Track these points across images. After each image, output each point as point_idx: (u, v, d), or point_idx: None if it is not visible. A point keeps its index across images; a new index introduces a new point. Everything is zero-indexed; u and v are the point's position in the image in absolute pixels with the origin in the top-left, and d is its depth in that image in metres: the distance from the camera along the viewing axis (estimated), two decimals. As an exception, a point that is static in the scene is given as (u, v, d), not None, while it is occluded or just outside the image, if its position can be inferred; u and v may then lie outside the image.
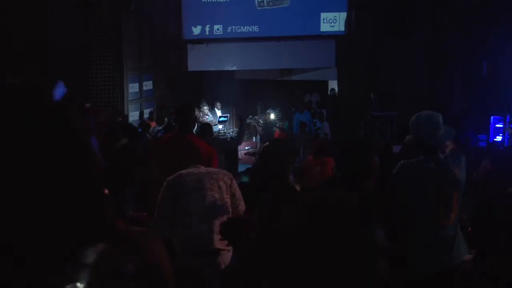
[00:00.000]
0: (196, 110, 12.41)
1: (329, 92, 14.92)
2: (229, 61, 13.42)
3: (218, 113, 13.05)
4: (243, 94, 14.38)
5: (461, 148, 4.42)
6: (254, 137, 14.06)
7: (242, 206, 3.54)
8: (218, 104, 13.34)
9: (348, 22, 12.45)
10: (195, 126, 4.81)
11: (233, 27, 13.08)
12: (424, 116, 3.45)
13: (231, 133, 11.50)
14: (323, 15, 12.78)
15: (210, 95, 14.05)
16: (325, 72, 13.79)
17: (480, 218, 3.70)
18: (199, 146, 4.26)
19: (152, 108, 12.74)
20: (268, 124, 12.22)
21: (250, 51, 13.21)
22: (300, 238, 1.17)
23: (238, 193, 3.58)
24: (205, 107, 12.65)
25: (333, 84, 14.43)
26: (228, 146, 7.13)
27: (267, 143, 3.26)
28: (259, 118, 12.71)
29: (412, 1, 11.15)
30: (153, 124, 10.99)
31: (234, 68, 13.74)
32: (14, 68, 7.69)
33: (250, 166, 7.86)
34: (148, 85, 12.50)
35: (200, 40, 13.15)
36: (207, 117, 12.40)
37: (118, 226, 1.08)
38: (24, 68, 7.86)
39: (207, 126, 6.60)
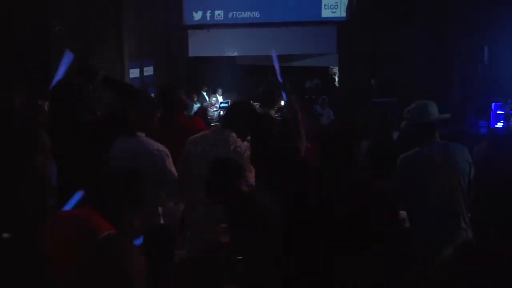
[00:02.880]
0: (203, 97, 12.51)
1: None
2: (230, 46, 13.40)
3: (220, 98, 13.05)
4: (244, 80, 14.35)
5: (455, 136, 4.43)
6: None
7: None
8: (220, 90, 13.34)
9: (349, 8, 12.40)
10: (183, 108, 4.78)
11: (234, 12, 13.04)
12: (419, 102, 3.61)
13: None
14: (325, 1, 12.72)
15: (212, 80, 14.03)
16: (326, 58, 13.76)
17: (479, 203, 3.72)
18: (188, 127, 4.24)
19: (153, 94, 12.72)
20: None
21: (251, 37, 13.18)
22: None
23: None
24: (214, 98, 12.62)
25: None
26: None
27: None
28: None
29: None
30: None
31: (235, 53, 13.72)
32: (13, 54, 7.68)
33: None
34: (149, 70, 12.47)
35: (201, 26, 13.12)
36: (215, 108, 12.34)
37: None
38: (23, 55, 7.86)
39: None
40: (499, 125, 10.04)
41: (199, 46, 13.25)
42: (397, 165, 3.52)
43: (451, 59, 10.58)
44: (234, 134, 3.55)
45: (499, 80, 9.89)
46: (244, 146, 3.58)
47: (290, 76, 15.02)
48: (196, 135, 3.71)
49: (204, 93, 13.32)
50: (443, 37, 10.53)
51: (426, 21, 10.74)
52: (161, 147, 3.73)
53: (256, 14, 12.96)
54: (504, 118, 9.76)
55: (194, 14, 13.08)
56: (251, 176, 3.39)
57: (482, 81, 10.18)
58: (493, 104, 10.15)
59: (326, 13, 12.78)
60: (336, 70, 15.43)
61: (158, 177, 3.66)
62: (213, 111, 12.00)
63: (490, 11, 9.44)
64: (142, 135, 3.79)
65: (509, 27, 9.31)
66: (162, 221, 3.77)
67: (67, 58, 2.49)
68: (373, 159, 3.99)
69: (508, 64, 9.69)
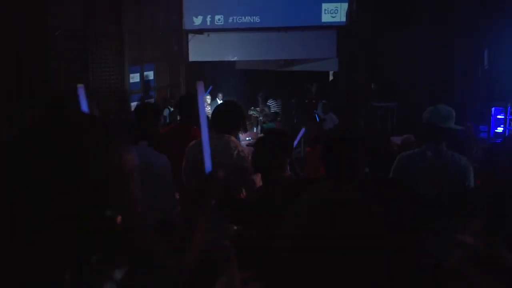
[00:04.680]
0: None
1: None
2: (230, 51, 13.43)
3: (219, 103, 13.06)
4: (245, 84, 14.37)
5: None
6: (255, 128, 14.06)
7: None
8: (220, 95, 13.35)
9: (349, 12, 12.42)
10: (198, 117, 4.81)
11: (234, 17, 13.07)
12: (443, 105, 3.60)
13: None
14: (324, 5, 12.76)
15: (211, 85, 14.02)
16: (326, 63, 13.78)
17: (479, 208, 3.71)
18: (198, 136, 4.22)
19: (153, 99, 12.74)
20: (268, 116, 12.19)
21: (251, 42, 13.21)
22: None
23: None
24: (207, 97, 12.65)
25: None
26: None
27: (261, 135, 3.23)
28: (262, 109, 12.71)
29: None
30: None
31: (235, 58, 13.74)
32: (13, 57, 7.68)
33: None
34: (149, 75, 12.49)
35: (201, 30, 13.16)
36: (208, 108, 12.41)
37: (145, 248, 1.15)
38: (23, 58, 7.87)
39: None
40: (499, 129, 10.05)
41: (199, 50, 13.28)
42: (395, 162, 3.54)
43: (451, 63, 10.60)
44: (234, 138, 3.51)
45: (499, 85, 9.90)
46: (246, 149, 3.56)
47: (291, 80, 15.12)
48: (195, 142, 3.67)
49: (206, 97, 13.33)
50: (443, 41, 10.55)
51: (426, 25, 10.76)
52: (162, 156, 3.72)
53: (256, 19, 12.99)
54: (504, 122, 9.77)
55: (194, 19, 13.11)
56: (257, 180, 3.34)
57: (482, 86, 10.19)
58: (493, 109, 10.16)
59: (326, 18, 12.81)
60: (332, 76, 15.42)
61: (157, 187, 3.63)
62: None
63: (491, 15, 9.46)
64: (144, 143, 3.79)
65: (510, 31, 9.32)
66: None
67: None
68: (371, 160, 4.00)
69: (508, 68, 9.70)
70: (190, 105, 4.59)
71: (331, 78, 15.16)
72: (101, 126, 1.11)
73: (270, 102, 13.41)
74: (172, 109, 11.32)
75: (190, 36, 13.24)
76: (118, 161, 1.11)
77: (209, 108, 12.35)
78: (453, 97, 9.99)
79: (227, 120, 3.58)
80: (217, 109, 3.85)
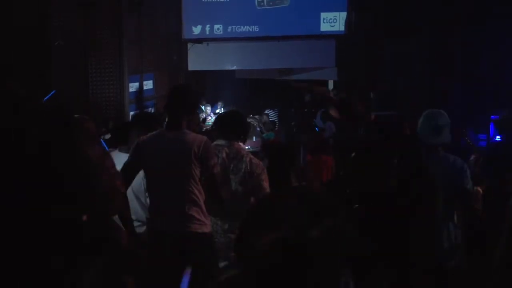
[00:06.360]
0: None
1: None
2: (230, 60, 13.45)
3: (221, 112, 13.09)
4: (243, 93, 14.40)
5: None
6: (254, 137, 14.04)
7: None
8: (220, 103, 13.38)
9: (348, 22, 12.46)
10: (193, 117, 4.71)
11: (233, 26, 13.10)
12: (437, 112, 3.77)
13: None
14: (323, 14, 12.80)
15: (211, 94, 14.06)
16: (325, 72, 13.80)
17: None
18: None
19: (152, 108, 12.73)
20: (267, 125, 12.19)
21: (250, 51, 13.23)
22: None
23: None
24: (208, 108, 12.67)
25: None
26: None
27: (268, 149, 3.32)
28: (260, 118, 12.73)
29: (412, 1, 11.14)
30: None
31: (234, 67, 13.77)
32: (13, 65, 7.69)
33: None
34: (148, 84, 12.49)
35: (201, 40, 13.18)
36: (210, 118, 12.42)
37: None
38: (23, 67, 7.87)
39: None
40: (498, 138, 10.04)
41: (199, 60, 13.30)
42: None
43: (450, 72, 10.63)
44: (244, 146, 3.61)
45: (497, 93, 9.92)
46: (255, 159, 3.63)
47: (290, 90, 15.13)
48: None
49: (203, 107, 13.36)
50: (442, 50, 10.58)
51: (425, 34, 10.80)
52: None
53: (255, 28, 13.02)
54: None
55: (194, 28, 13.14)
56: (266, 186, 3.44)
57: (481, 94, 10.21)
58: (491, 117, 10.17)
59: (325, 27, 12.85)
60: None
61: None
62: (209, 120, 12.17)
63: (489, 24, 9.50)
64: None
65: (508, 40, 9.36)
66: None
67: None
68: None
69: (506, 76, 9.73)
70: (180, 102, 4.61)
71: (331, 87, 15.17)
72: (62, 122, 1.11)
73: (268, 112, 13.42)
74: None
75: (189, 45, 13.28)
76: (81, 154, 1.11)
77: (210, 118, 12.38)
78: (452, 105, 10.00)
79: (235, 128, 3.65)
80: (224, 118, 3.90)
